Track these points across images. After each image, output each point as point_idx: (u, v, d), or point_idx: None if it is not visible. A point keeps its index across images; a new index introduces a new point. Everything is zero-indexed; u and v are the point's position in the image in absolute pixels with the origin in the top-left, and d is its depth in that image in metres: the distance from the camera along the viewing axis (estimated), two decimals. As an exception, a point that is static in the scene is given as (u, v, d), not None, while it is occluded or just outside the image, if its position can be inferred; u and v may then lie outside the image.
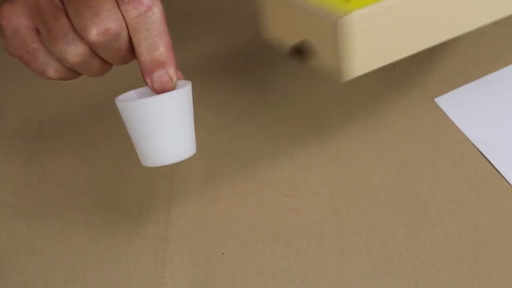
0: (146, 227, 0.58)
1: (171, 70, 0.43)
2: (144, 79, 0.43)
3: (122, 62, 0.44)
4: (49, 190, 0.61)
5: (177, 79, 0.44)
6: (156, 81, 0.43)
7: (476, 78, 0.68)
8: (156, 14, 0.41)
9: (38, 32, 0.43)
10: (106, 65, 0.44)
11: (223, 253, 0.56)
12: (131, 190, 0.60)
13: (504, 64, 0.69)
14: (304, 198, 0.59)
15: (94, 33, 0.40)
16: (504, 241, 0.56)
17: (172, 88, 0.43)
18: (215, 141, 0.64)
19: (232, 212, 0.59)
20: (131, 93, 0.45)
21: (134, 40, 0.41)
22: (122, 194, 0.60)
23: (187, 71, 0.69)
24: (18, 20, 0.42)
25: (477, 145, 0.62)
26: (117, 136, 0.64)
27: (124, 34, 0.41)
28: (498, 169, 0.61)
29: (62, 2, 0.41)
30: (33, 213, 0.59)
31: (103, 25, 0.40)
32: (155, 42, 0.41)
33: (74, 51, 0.41)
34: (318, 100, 0.67)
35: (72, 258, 0.56)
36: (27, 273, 0.55)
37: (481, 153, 0.62)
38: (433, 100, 0.67)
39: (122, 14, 0.40)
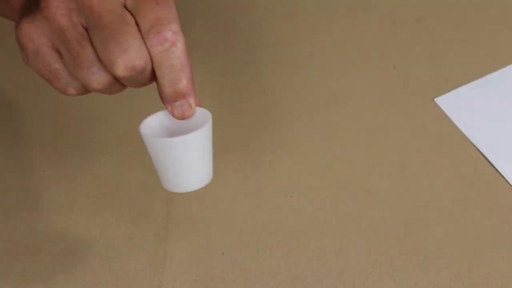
0: (146, 227, 0.58)
1: (191, 99, 0.44)
2: (165, 105, 0.45)
3: (140, 87, 0.44)
4: (49, 190, 0.61)
5: (196, 106, 0.45)
6: (177, 110, 0.44)
7: (476, 78, 0.68)
8: (180, 48, 0.41)
9: (59, 52, 0.42)
10: (125, 87, 0.45)
11: (223, 253, 0.56)
12: (131, 190, 0.60)
13: (504, 64, 0.69)
14: (304, 198, 0.59)
15: (121, 69, 0.40)
16: (504, 241, 0.56)
17: (191, 115, 0.45)
18: (215, 141, 0.64)
19: (232, 212, 0.59)
20: (153, 121, 0.46)
21: (158, 73, 0.42)
22: (122, 194, 0.60)
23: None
24: (39, 40, 0.42)
25: (477, 145, 0.62)
26: (117, 137, 0.64)
27: (148, 68, 0.42)
28: (498, 169, 0.61)
29: (86, 29, 0.41)
30: (33, 213, 0.59)
31: (131, 63, 0.40)
32: (178, 77, 0.42)
33: (99, 80, 0.42)
34: (317, 100, 0.67)
35: (72, 258, 0.56)
36: (27, 273, 0.55)
37: (481, 153, 0.62)
38: (433, 100, 0.67)
39: (147, 48, 0.41)
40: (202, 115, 0.45)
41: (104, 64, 0.41)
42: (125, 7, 0.41)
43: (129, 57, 0.40)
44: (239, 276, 0.55)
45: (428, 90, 0.68)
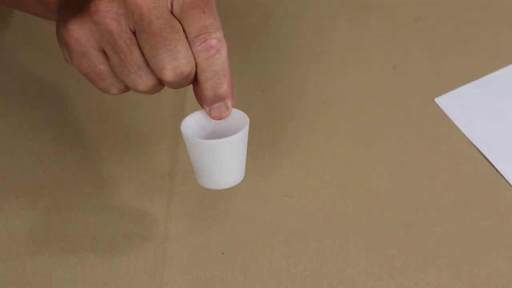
0: (146, 227, 0.58)
1: (229, 102, 0.46)
2: (202, 106, 0.46)
3: (179, 88, 0.46)
4: (49, 190, 0.61)
5: (233, 107, 0.47)
6: (215, 111, 0.46)
7: (476, 78, 0.68)
8: (223, 55, 0.43)
9: (105, 53, 0.44)
10: (164, 87, 0.46)
11: (223, 253, 0.56)
12: (131, 190, 0.60)
13: (504, 64, 0.69)
14: (304, 198, 0.59)
15: (170, 75, 0.42)
16: (504, 241, 0.56)
17: (227, 116, 0.47)
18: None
19: (232, 212, 0.59)
20: (191, 121, 0.47)
21: (201, 77, 0.44)
22: (122, 194, 0.60)
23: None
24: (87, 42, 0.43)
25: (477, 145, 0.62)
26: (117, 136, 0.64)
27: (193, 73, 0.43)
28: (498, 169, 0.61)
29: (134, 33, 0.43)
30: (33, 213, 0.59)
31: (179, 69, 0.42)
32: (220, 81, 0.44)
33: (145, 83, 0.44)
34: (317, 100, 0.67)
35: (72, 258, 0.56)
36: (27, 273, 0.55)
37: (481, 153, 0.62)
38: (433, 100, 0.67)
39: (192, 54, 0.43)
40: (237, 116, 0.47)
41: (153, 69, 0.43)
42: (172, 13, 0.43)
43: (178, 63, 0.42)
44: (239, 276, 0.55)
45: (428, 90, 0.67)
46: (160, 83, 0.44)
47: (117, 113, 0.66)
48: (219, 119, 0.47)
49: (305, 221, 0.58)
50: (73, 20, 0.43)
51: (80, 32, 0.43)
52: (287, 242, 0.56)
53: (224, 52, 0.43)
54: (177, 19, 0.43)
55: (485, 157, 0.62)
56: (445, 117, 0.65)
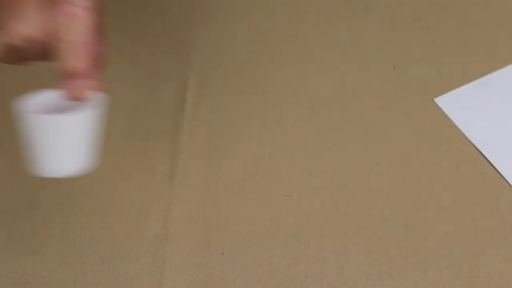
0: (146, 227, 0.58)
1: (86, 83, 0.41)
2: (58, 84, 0.42)
3: (41, 61, 0.42)
4: (49, 190, 0.61)
5: (94, 90, 0.42)
6: (69, 91, 0.41)
7: (476, 78, 0.68)
8: (82, 25, 0.39)
9: None
10: (26, 61, 0.42)
11: (223, 253, 0.56)
12: (131, 190, 0.60)
13: (504, 64, 0.69)
14: (304, 198, 0.59)
15: (17, 38, 0.39)
16: (504, 241, 0.56)
17: (83, 99, 0.41)
18: (214, 141, 0.64)
19: (232, 212, 0.59)
20: (35, 100, 0.43)
21: (55, 47, 0.39)
22: (122, 194, 0.60)
23: (187, 71, 0.69)
24: None
25: (477, 145, 0.62)
26: (117, 137, 0.64)
27: (46, 41, 0.39)
28: (498, 169, 0.61)
29: None
30: (33, 213, 0.59)
31: (26, 33, 0.38)
32: (75, 54, 0.39)
33: None
34: (317, 100, 0.67)
35: (72, 258, 0.56)
36: (27, 273, 0.55)
37: (481, 153, 0.62)
38: (433, 100, 0.67)
39: (46, 20, 0.38)
40: (95, 106, 0.42)
41: (1, 31, 0.39)
42: None
43: (25, 27, 0.38)
44: (239, 276, 0.55)
45: (428, 90, 0.68)
46: (15, 49, 0.40)
47: (117, 113, 0.66)
48: (73, 100, 0.41)
49: (305, 221, 0.58)
50: None
51: None
52: (287, 242, 0.56)
53: (84, 21, 0.38)
54: None
55: (485, 157, 0.62)
56: (445, 117, 0.65)
